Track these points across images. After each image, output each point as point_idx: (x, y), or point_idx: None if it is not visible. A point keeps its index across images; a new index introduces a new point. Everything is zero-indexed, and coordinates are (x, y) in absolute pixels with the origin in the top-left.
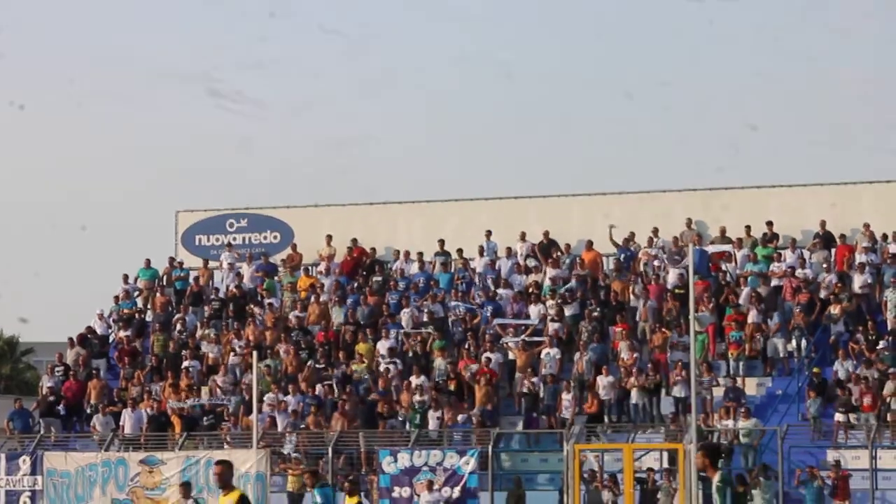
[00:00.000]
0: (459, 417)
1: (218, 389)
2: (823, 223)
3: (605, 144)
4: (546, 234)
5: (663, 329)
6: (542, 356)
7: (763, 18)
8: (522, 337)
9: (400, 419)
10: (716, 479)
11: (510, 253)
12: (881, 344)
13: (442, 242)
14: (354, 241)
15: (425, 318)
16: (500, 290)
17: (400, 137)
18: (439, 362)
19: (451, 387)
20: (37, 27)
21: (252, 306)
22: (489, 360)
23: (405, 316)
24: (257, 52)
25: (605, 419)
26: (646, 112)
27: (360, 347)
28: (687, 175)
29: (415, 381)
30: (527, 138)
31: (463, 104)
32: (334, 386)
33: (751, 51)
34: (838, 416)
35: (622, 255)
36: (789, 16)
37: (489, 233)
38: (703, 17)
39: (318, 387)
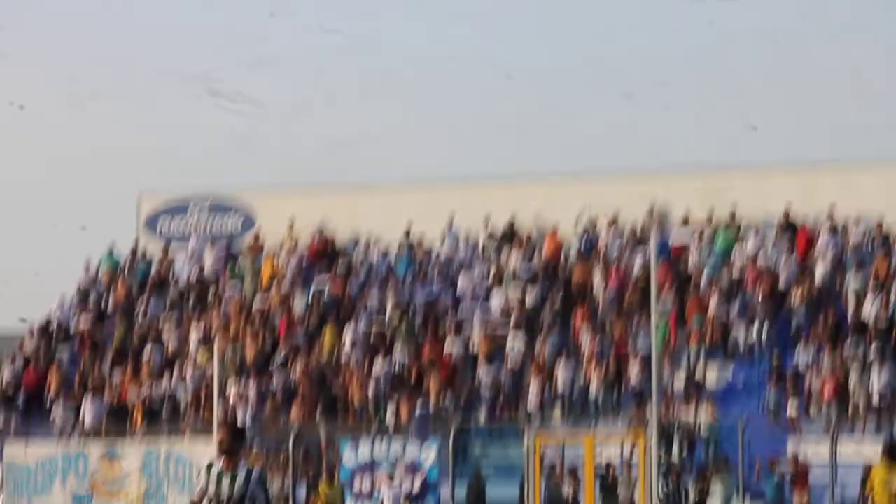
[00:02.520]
0: (419, 405)
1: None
2: (787, 213)
3: (575, 130)
4: (511, 219)
5: (621, 320)
6: (507, 345)
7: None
8: (486, 330)
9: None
10: None
11: (471, 239)
12: (843, 332)
13: (407, 230)
14: (322, 227)
15: (389, 306)
16: (462, 276)
17: (399, 136)
18: (400, 351)
19: (412, 376)
20: (37, 27)
21: (213, 293)
22: (449, 351)
23: (370, 302)
24: (257, 52)
25: (565, 408)
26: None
27: (323, 336)
28: (650, 158)
29: (376, 369)
30: (519, 130)
31: (463, 104)
32: (297, 374)
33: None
34: (791, 411)
35: (583, 241)
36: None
37: (451, 218)
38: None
39: (279, 376)
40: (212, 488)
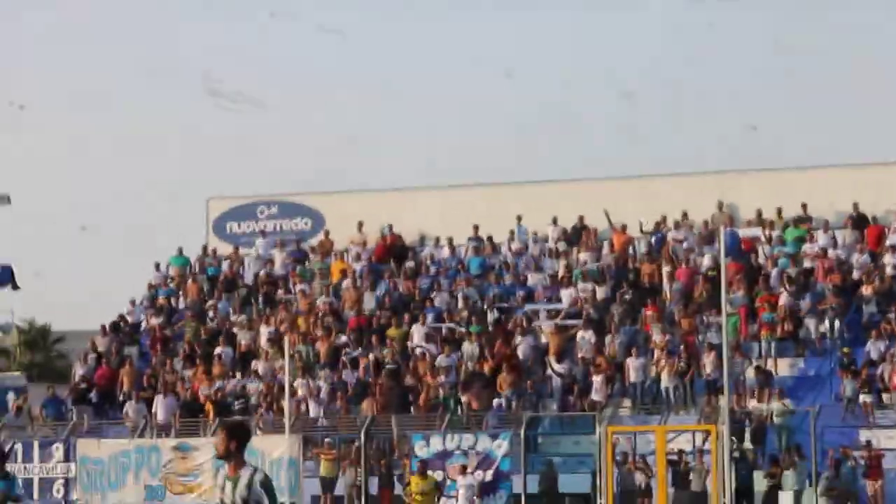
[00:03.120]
0: (495, 402)
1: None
2: (856, 205)
3: (639, 129)
4: (581, 218)
5: (692, 313)
6: (578, 339)
7: None
8: (556, 320)
9: (432, 404)
10: None
11: (539, 237)
12: None
13: (476, 228)
14: (390, 227)
15: (459, 304)
16: (532, 274)
17: (400, 136)
18: (471, 346)
19: (486, 370)
20: (37, 27)
21: (283, 292)
22: (518, 345)
23: (438, 300)
24: (257, 52)
25: (637, 401)
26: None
27: (392, 332)
28: (718, 157)
29: (445, 361)
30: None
31: (463, 104)
32: (369, 370)
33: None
34: (864, 398)
35: (653, 239)
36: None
37: (520, 217)
38: None
39: (350, 372)
40: (219, 494)
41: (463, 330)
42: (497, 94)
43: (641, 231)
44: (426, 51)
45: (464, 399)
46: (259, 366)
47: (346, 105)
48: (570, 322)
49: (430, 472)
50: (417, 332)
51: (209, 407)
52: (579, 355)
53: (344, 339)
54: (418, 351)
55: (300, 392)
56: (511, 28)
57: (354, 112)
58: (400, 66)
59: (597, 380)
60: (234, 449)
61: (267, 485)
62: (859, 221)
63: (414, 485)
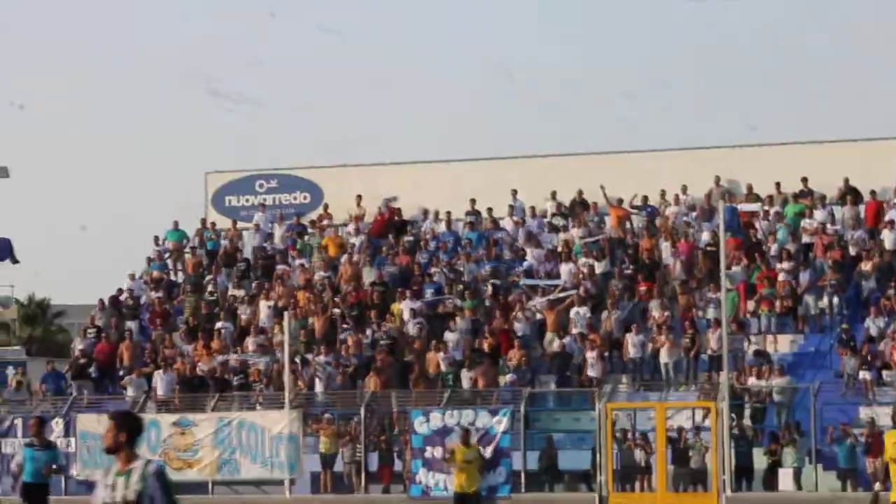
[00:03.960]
0: (506, 378)
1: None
2: (847, 179)
3: (632, 105)
4: (579, 192)
5: (689, 290)
6: (572, 315)
7: None
8: (548, 297)
9: (431, 379)
10: None
11: (537, 212)
12: None
13: (473, 202)
14: (388, 200)
15: (458, 277)
16: (530, 249)
17: (400, 138)
18: (469, 322)
19: (486, 347)
20: (37, 27)
21: (282, 266)
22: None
23: (439, 273)
24: (257, 52)
25: (636, 378)
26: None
27: (395, 307)
28: (718, 131)
29: (449, 336)
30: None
31: (464, 104)
32: (369, 345)
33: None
34: (864, 374)
35: (644, 213)
36: None
37: (515, 192)
38: None
39: (349, 347)
40: (107, 494)
41: (457, 303)
42: (498, 75)
43: (631, 206)
44: (427, 31)
45: (470, 376)
46: (259, 341)
47: (346, 88)
48: (562, 295)
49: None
50: (416, 308)
51: (209, 380)
52: (575, 331)
53: (342, 313)
54: (413, 326)
55: (300, 367)
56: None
57: (354, 93)
58: (396, 52)
59: (591, 355)
60: (125, 441)
61: (162, 476)
62: (854, 196)
63: (458, 453)
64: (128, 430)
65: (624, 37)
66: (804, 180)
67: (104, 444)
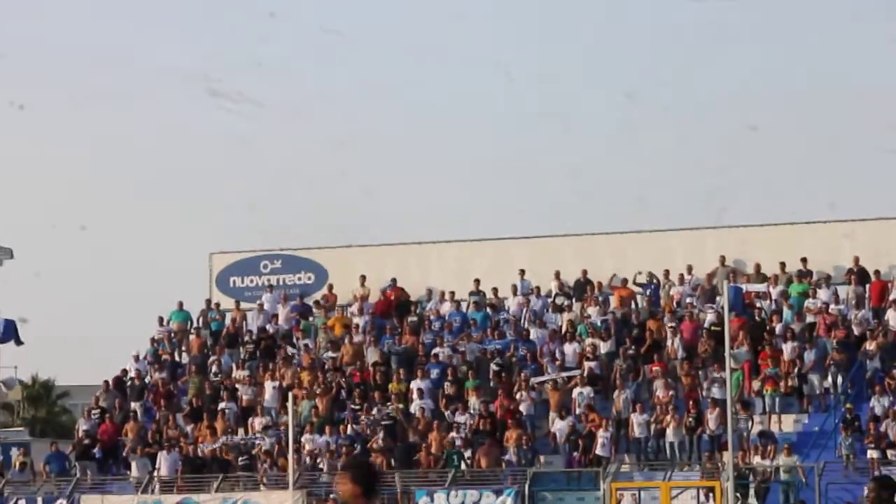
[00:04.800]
0: (506, 458)
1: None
2: (857, 259)
3: (636, 183)
4: (584, 272)
5: (694, 369)
6: (575, 395)
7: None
8: (554, 375)
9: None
10: None
11: (541, 292)
12: None
13: (477, 282)
14: (394, 280)
15: (460, 359)
16: (534, 330)
17: (401, 141)
18: (472, 402)
19: (487, 427)
20: (37, 27)
21: (286, 347)
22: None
23: (443, 354)
24: (257, 52)
25: (641, 457)
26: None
27: (394, 387)
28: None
29: (459, 417)
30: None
31: (464, 104)
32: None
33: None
34: (871, 453)
35: (647, 291)
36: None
37: (523, 272)
38: None
39: (354, 427)
40: None
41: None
42: (505, 147)
43: (635, 282)
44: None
45: (475, 456)
46: (262, 421)
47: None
48: (567, 374)
49: None
50: (421, 387)
51: (213, 461)
52: (577, 411)
53: (346, 394)
54: (420, 407)
55: (306, 447)
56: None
57: (362, 168)
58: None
59: (603, 435)
60: (361, 495)
61: None
62: (861, 276)
63: None
64: (364, 484)
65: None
66: (804, 261)
67: (341, 499)
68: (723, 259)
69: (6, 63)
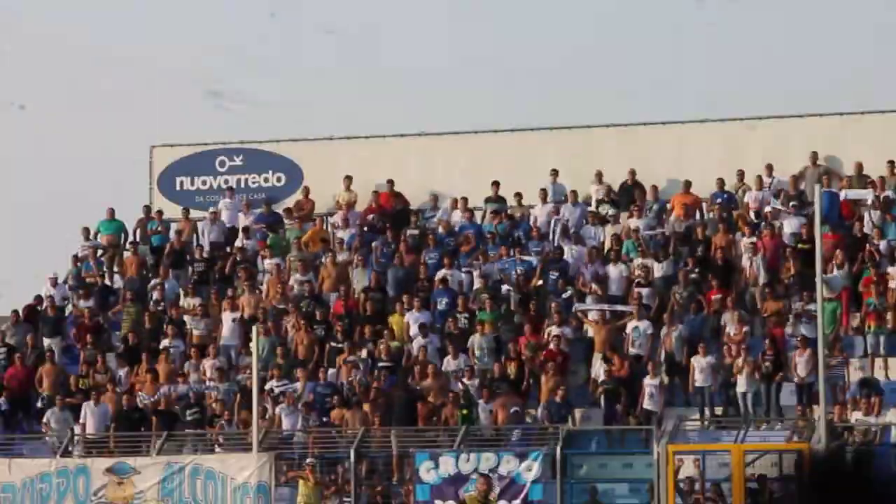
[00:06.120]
0: (512, 410)
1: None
2: None
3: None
4: (632, 172)
5: (775, 299)
6: (629, 331)
7: None
8: (603, 306)
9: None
10: None
11: (578, 199)
12: None
13: (496, 185)
14: (391, 182)
15: (476, 283)
16: (570, 246)
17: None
18: (490, 339)
19: (510, 371)
20: (37, 27)
21: (249, 268)
22: (558, 338)
23: (452, 278)
24: (257, 52)
25: (706, 412)
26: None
27: (394, 320)
28: (810, 98)
29: (455, 363)
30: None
31: (465, 104)
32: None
33: None
34: None
35: (719, 200)
36: None
37: (555, 172)
38: None
39: (337, 372)
40: None
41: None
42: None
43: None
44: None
45: (490, 409)
46: (218, 364)
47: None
48: (619, 308)
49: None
50: (423, 322)
51: (154, 415)
52: (631, 352)
53: (325, 330)
54: (422, 346)
55: (272, 398)
56: None
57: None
58: None
59: (651, 384)
60: None
61: None
62: None
63: None
64: None
65: None
66: None
67: None
68: (814, 156)
69: (6, 63)
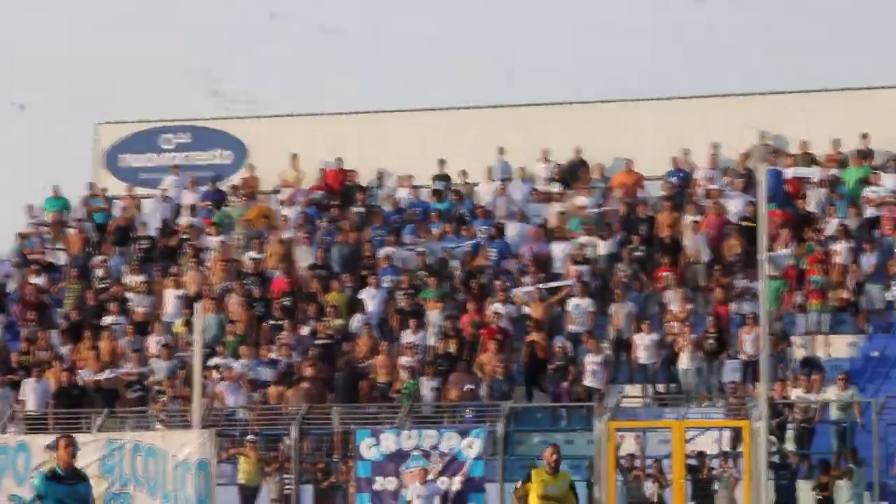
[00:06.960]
0: (466, 388)
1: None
2: None
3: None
4: (578, 150)
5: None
6: (570, 308)
7: None
8: (540, 285)
9: (383, 390)
10: None
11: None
12: None
13: (441, 163)
14: (339, 160)
15: (418, 262)
16: (513, 224)
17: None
18: (434, 317)
19: (452, 348)
20: (37, 26)
21: (194, 245)
22: (499, 314)
23: (396, 255)
24: (257, 52)
25: (649, 389)
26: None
27: (333, 298)
28: (756, 77)
29: (407, 338)
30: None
31: (415, 81)
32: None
33: None
34: None
35: (674, 178)
36: None
37: (501, 150)
38: None
39: (278, 350)
40: None
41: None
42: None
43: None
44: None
45: (432, 387)
46: (161, 341)
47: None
48: (560, 284)
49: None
50: (366, 299)
51: (95, 392)
52: (571, 329)
53: (268, 307)
54: (365, 323)
55: (214, 375)
56: None
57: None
58: None
59: (592, 361)
60: None
61: None
62: None
63: (538, 486)
64: None
65: None
66: (864, 136)
67: None
68: (762, 135)
69: (6, 63)
